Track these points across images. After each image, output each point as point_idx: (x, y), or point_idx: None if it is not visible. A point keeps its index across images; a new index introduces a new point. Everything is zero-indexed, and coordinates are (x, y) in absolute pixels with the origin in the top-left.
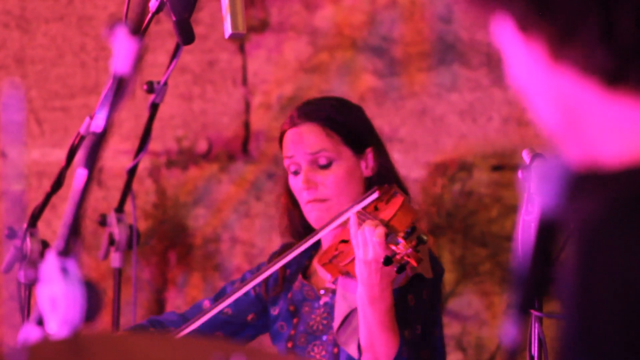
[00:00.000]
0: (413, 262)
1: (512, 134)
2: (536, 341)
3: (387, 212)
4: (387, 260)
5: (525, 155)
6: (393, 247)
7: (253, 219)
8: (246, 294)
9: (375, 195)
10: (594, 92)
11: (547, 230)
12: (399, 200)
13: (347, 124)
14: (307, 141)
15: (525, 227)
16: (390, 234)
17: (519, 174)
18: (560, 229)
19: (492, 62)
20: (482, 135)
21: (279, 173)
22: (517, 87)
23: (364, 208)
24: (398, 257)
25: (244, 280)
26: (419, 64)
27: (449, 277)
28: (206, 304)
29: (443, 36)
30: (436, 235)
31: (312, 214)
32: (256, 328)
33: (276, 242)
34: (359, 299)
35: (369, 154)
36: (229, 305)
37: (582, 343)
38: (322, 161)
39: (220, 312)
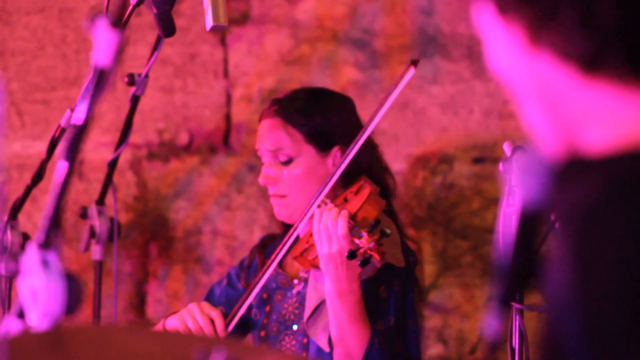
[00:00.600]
0: (376, 256)
1: (494, 127)
2: (517, 334)
3: (353, 204)
4: (351, 254)
5: (507, 148)
6: (357, 241)
7: (234, 211)
8: (235, 289)
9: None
10: (572, 77)
11: (528, 222)
12: (366, 192)
13: (311, 122)
14: (268, 137)
15: (506, 220)
16: (354, 227)
17: (500, 166)
18: (541, 221)
19: (474, 55)
20: (463, 128)
21: (260, 166)
22: (498, 74)
23: (333, 200)
24: (361, 250)
25: (230, 278)
26: (400, 56)
27: (430, 270)
28: None
29: (424, 29)
30: (417, 228)
31: (274, 207)
32: (249, 322)
33: (257, 235)
34: (327, 293)
35: (336, 152)
36: (222, 304)
37: (585, 331)
38: (282, 158)
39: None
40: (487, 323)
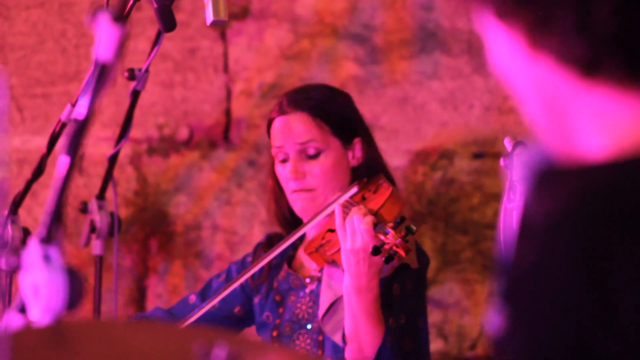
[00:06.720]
0: (402, 252)
1: (494, 122)
2: None
3: (375, 202)
4: (376, 250)
5: (507, 143)
6: (382, 237)
7: (234, 206)
8: None
9: (354, 191)
10: (571, 82)
11: None
12: (387, 190)
13: (336, 113)
14: (296, 131)
15: (507, 215)
16: (378, 224)
17: (501, 161)
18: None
19: (473, 50)
20: (463, 123)
21: (260, 161)
22: (500, 76)
23: (352, 198)
24: (387, 247)
25: (229, 273)
26: (400, 51)
27: (429, 265)
28: (192, 298)
29: (424, 24)
30: (417, 223)
31: (297, 203)
32: (242, 320)
33: (257, 230)
34: (345, 289)
35: (357, 144)
36: None
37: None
38: (311, 151)
39: None
40: (490, 319)
